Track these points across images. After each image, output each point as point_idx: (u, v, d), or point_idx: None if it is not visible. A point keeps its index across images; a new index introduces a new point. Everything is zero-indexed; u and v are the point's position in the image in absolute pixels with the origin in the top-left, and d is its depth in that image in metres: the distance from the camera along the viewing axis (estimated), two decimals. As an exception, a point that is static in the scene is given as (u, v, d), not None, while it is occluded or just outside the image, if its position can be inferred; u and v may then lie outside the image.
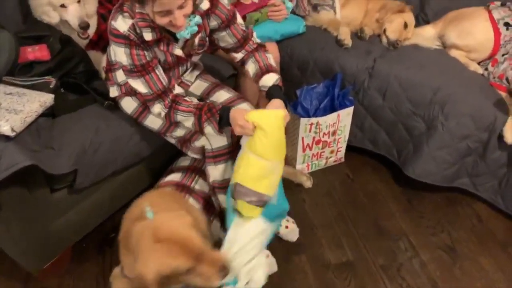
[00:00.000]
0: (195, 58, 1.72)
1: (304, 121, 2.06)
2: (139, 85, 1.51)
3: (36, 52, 1.75)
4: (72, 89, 1.78)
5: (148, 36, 1.43)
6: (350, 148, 2.31)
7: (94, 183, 1.65)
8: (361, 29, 2.27)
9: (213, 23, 1.58)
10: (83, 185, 1.60)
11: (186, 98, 1.59)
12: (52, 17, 1.82)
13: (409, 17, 2.23)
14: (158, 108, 1.56)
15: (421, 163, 2.01)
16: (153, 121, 1.69)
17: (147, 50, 1.47)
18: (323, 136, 2.16)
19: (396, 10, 2.23)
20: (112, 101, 1.74)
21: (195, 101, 1.61)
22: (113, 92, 1.71)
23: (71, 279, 1.73)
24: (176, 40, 1.53)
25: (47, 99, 1.54)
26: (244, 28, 1.63)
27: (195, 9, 1.48)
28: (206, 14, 1.54)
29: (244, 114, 1.44)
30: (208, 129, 1.54)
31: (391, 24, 2.21)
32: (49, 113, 1.62)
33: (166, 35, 1.50)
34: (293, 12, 2.33)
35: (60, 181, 1.55)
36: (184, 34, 1.46)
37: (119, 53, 1.46)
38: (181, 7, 1.35)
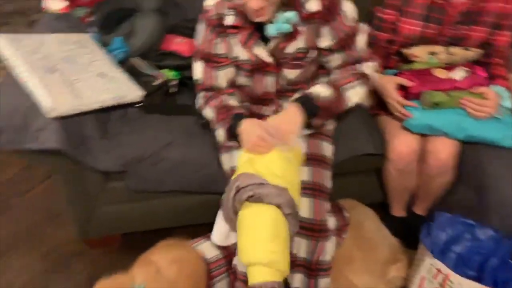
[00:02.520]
0: (289, 74, 1.38)
1: (429, 259, 1.41)
2: (196, 68, 1.46)
3: (180, 45, 1.72)
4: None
5: (228, 19, 1.33)
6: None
7: (150, 192, 1.56)
8: None
9: (325, 38, 1.32)
10: (132, 188, 1.53)
11: (224, 97, 1.43)
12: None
13: None
14: (200, 98, 1.48)
15: None
16: (226, 160, 1.45)
17: (222, 39, 1.37)
18: (452, 297, 1.43)
19: None
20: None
21: (233, 103, 1.43)
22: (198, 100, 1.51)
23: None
24: (263, 39, 1.33)
25: (130, 94, 1.47)
26: (358, 51, 1.36)
27: (297, 5, 1.27)
28: (313, 19, 1.29)
29: (261, 126, 1.24)
30: (219, 132, 1.40)
31: None
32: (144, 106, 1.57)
33: (250, 27, 1.32)
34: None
35: (113, 173, 1.51)
36: (270, 29, 1.27)
37: (198, 30, 1.43)
38: None
